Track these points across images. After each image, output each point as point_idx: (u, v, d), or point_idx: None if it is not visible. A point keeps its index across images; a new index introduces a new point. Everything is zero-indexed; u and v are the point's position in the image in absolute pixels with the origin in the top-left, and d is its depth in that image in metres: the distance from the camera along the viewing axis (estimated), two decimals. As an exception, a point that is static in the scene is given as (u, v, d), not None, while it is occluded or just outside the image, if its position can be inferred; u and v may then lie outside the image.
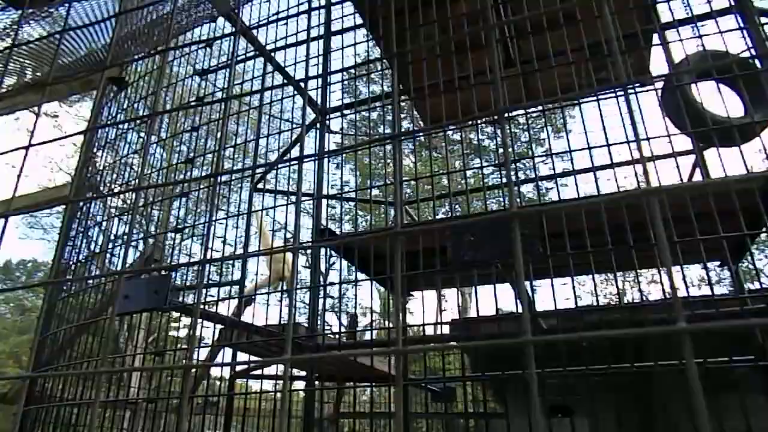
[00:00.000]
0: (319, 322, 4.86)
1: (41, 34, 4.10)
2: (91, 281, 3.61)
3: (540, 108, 4.01)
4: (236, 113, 4.98)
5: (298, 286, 6.20)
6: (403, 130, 5.86)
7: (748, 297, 2.51)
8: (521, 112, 4.28)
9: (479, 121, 5.32)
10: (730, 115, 3.17)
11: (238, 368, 4.44)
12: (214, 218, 4.21)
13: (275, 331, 3.50)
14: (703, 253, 2.23)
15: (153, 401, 4.69)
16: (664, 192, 0.42)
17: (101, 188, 4.09)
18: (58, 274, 3.65)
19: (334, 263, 15.06)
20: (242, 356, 4.25)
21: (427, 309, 18.45)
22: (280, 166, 4.52)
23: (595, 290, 2.62)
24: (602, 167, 3.14)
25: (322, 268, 13.75)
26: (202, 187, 4.14)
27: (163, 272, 2.90)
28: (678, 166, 2.53)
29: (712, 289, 2.36)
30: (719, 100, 3.14)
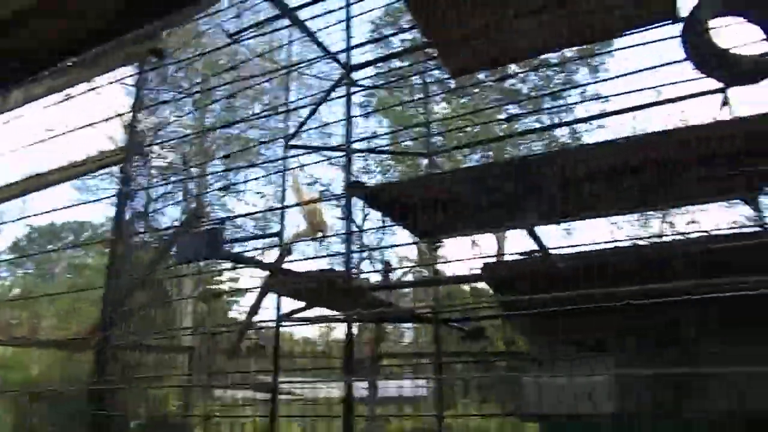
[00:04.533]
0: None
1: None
2: (147, 238, 3.96)
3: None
4: (265, 73, 5.15)
5: (333, 234, 6.48)
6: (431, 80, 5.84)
7: None
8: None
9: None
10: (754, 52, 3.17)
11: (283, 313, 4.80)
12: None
13: (321, 276, 3.78)
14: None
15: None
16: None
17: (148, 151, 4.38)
18: (120, 231, 4.01)
19: (368, 213, 15.29)
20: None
21: (462, 254, 18.68)
22: (308, 128, 4.71)
23: (611, 232, 2.76)
24: (623, 111, 3.23)
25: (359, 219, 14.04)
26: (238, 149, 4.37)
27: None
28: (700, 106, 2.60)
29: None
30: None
